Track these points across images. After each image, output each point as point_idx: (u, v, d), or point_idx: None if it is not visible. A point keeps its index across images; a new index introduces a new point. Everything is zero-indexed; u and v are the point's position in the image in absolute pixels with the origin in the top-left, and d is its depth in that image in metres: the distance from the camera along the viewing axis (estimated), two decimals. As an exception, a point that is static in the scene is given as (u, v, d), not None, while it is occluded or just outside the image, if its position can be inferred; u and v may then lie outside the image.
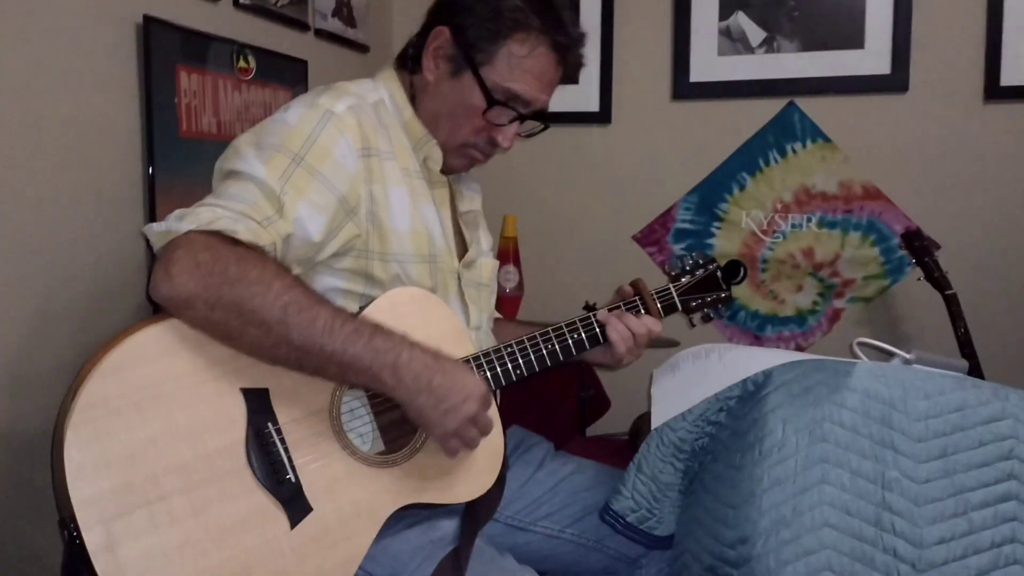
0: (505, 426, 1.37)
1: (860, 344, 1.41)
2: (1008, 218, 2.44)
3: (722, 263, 1.59)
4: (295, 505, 1.14)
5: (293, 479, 1.15)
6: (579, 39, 1.38)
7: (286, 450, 1.15)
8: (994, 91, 2.39)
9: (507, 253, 2.48)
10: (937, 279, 2.21)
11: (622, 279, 1.59)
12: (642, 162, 2.66)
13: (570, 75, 1.41)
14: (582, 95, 2.64)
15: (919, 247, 2.27)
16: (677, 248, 2.65)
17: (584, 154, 2.69)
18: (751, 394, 1.35)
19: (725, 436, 1.38)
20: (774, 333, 2.61)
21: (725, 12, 2.54)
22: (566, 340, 1.38)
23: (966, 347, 2.16)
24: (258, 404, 1.15)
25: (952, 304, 2.18)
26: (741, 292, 2.61)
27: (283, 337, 1.12)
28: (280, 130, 1.29)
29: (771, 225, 2.58)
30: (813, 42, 2.49)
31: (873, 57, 2.45)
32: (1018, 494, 1.21)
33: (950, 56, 2.42)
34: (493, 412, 1.26)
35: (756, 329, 2.62)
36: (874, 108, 2.49)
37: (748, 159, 2.57)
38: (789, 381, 1.33)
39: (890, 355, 1.38)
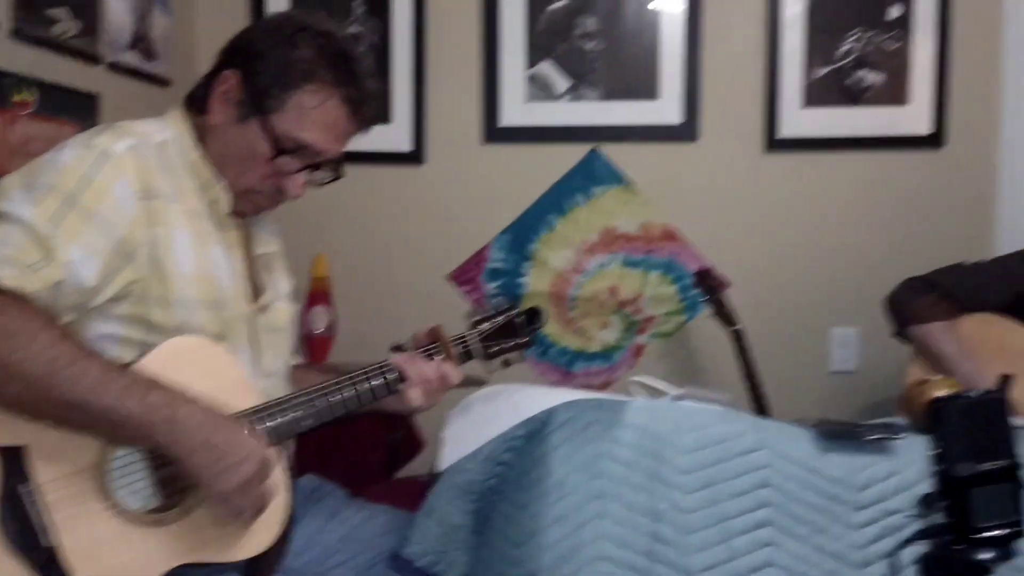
0: (299, 474, 1.35)
1: (635, 382, 1.49)
2: (789, 257, 2.65)
3: (524, 307, 1.63)
4: (51, 572, 1.08)
5: (47, 544, 1.08)
6: (373, 93, 1.39)
7: (42, 512, 1.09)
8: (773, 142, 2.61)
9: (318, 294, 2.46)
10: (724, 315, 2.38)
11: (437, 319, 1.60)
12: (455, 202, 2.71)
13: (366, 127, 1.43)
14: (396, 135, 2.66)
15: (709, 285, 2.43)
16: (491, 287, 2.71)
17: (398, 193, 2.71)
18: (535, 433, 1.40)
19: (512, 476, 1.41)
20: (583, 368, 2.71)
21: (532, 60, 2.64)
22: (359, 388, 1.37)
23: (751, 379, 2.33)
24: (12, 463, 1.08)
25: (738, 339, 2.34)
26: (552, 329, 2.70)
27: (47, 393, 1.06)
28: (53, 170, 1.23)
29: (579, 264, 2.68)
30: (614, 92, 2.64)
31: (666, 108, 2.62)
32: (773, 520, 1.31)
33: (735, 109, 2.62)
34: (277, 470, 1.24)
35: (566, 365, 2.71)
36: (669, 155, 2.66)
37: (556, 201, 2.68)
38: (569, 420, 1.38)
39: (662, 392, 1.47)
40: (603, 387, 2.67)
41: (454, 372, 1.42)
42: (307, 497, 1.47)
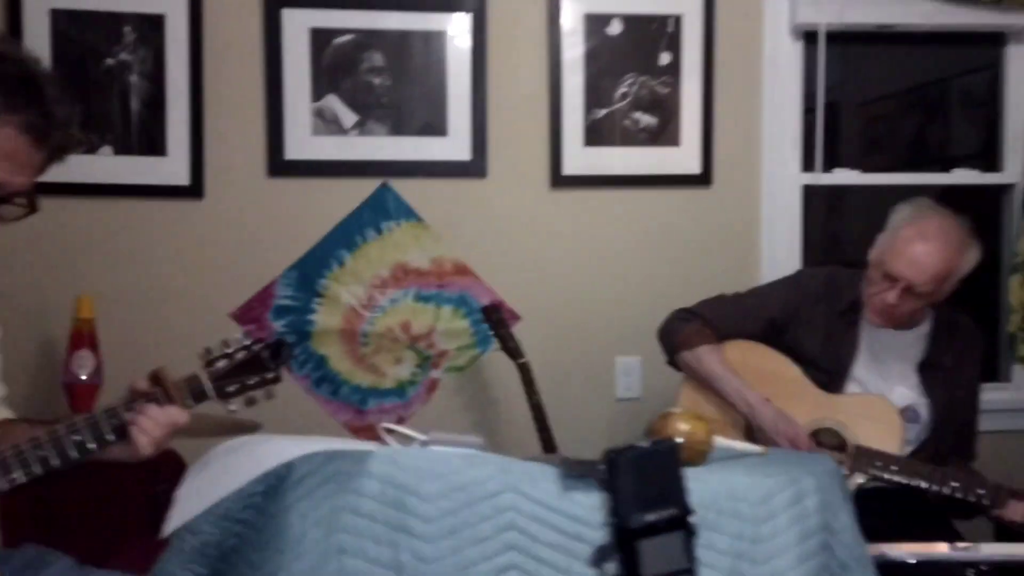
0: (14, 544, 1.24)
1: (385, 429, 1.48)
2: (576, 290, 2.73)
3: (270, 341, 1.57)
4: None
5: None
6: (64, 119, 1.30)
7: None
8: (558, 179, 2.69)
9: (80, 337, 2.29)
10: (511, 349, 2.41)
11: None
12: (238, 238, 2.61)
13: (59, 156, 1.33)
14: (171, 168, 2.54)
15: (496, 319, 2.46)
16: (278, 325, 2.62)
17: (175, 229, 2.57)
18: (274, 488, 1.35)
19: (251, 535, 1.35)
20: (376, 405, 2.67)
21: (318, 93, 2.60)
22: (72, 440, 1.28)
23: (537, 412, 2.37)
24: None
25: (524, 372, 2.38)
26: (343, 367, 2.64)
27: None
28: None
29: (371, 300, 2.65)
30: (402, 127, 2.63)
31: (455, 145, 2.65)
32: (517, 564, 1.32)
33: (522, 147, 2.68)
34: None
35: (359, 403, 2.66)
36: (459, 191, 2.68)
37: (346, 236, 2.63)
38: (310, 472, 1.34)
39: (412, 439, 1.46)
40: (397, 423, 2.64)
41: (181, 416, 1.35)
42: (22, 571, 1.35)
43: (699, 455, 1.49)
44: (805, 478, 1.40)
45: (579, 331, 2.74)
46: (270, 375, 1.50)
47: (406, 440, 1.47)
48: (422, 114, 2.64)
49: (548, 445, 2.32)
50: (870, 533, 1.88)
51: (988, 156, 2.98)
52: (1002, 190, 2.94)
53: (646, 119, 2.70)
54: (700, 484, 1.41)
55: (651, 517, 0.80)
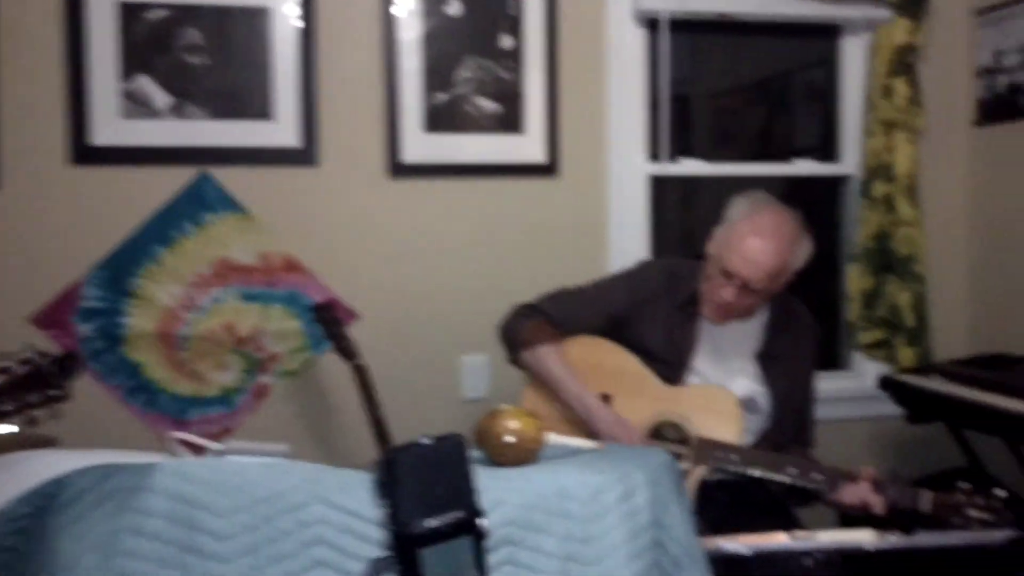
0: None
1: (173, 439, 1.29)
2: (419, 285, 2.59)
3: (56, 354, 1.38)
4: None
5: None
6: None
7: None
8: (396, 168, 2.54)
9: None
10: (345, 350, 2.24)
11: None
12: (37, 233, 2.34)
13: None
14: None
15: (328, 318, 2.29)
16: (85, 329, 2.35)
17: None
18: (42, 509, 1.15)
19: (16, 563, 1.15)
20: (199, 415, 2.44)
21: (127, 73, 2.35)
22: None
23: (375, 417, 2.21)
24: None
25: (360, 375, 2.22)
26: (161, 374, 2.40)
27: None
28: None
29: (190, 300, 2.42)
30: (224, 111, 2.42)
31: (283, 130, 2.46)
32: (321, 580, 1.17)
33: (356, 133, 2.52)
34: None
35: (179, 413, 2.43)
36: (288, 180, 2.49)
37: (161, 230, 2.40)
38: (84, 490, 1.15)
39: (205, 449, 1.29)
40: (223, 434, 2.42)
41: None
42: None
43: (530, 453, 1.38)
44: (635, 473, 1.31)
45: (422, 329, 2.60)
46: (55, 392, 1.32)
47: (199, 451, 1.29)
48: (246, 97, 2.43)
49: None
50: (714, 525, 1.84)
51: (827, 147, 3.04)
52: (840, 180, 3.00)
53: (490, 105, 2.59)
54: (529, 484, 1.31)
55: (434, 522, 0.67)
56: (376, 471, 1.09)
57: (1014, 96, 2.72)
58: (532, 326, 2.10)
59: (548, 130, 2.63)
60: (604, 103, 2.70)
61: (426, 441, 0.71)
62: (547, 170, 2.65)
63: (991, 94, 2.83)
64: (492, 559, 1.20)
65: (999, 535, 1.72)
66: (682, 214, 3.31)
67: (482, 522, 0.71)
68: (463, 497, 0.70)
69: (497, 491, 1.24)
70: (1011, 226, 2.78)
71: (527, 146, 2.63)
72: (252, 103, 2.43)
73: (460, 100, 2.56)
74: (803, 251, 1.97)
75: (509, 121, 2.60)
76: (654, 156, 2.76)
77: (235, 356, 2.45)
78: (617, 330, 2.11)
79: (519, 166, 2.63)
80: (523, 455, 1.36)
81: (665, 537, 1.30)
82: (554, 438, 1.41)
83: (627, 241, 2.72)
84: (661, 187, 2.81)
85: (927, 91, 2.80)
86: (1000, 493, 1.77)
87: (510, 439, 1.35)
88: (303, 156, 2.47)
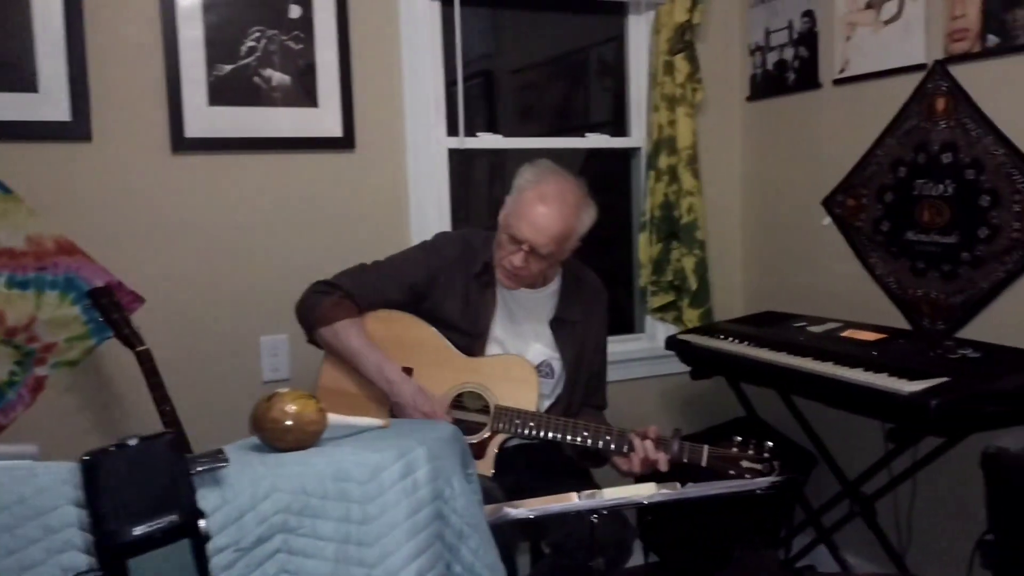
0: None
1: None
2: (211, 265, 2.49)
3: None
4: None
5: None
6: None
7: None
8: (181, 142, 2.41)
9: None
10: (126, 336, 2.12)
11: None
12: None
13: None
14: None
15: (106, 303, 2.15)
16: None
17: None
18: None
19: None
20: (-36, 415, 2.24)
21: None
22: None
23: (163, 404, 2.11)
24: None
25: (144, 360, 2.11)
26: (-84, 372, 2.18)
27: None
28: None
29: (-52, 290, 2.21)
30: (-21, 81, 2.21)
31: (50, 103, 2.27)
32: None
33: (134, 106, 2.37)
34: None
35: (-60, 413, 2.22)
36: (59, 157, 2.31)
37: (-92, 214, 2.16)
38: None
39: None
40: (-6, 433, 2.24)
41: None
42: None
43: (310, 436, 1.36)
44: (416, 448, 1.33)
45: (216, 310, 2.51)
46: None
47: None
48: (7, 67, 2.23)
49: (177, 441, 2.08)
50: (513, 490, 1.91)
51: (619, 122, 3.17)
52: (630, 153, 3.13)
53: (279, 77, 2.50)
54: (306, 468, 1.29)
55: (143, 529, 0.64)
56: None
57: (782, 73, 2.94)
58: (329, 303, 2.07)
59: (343, 103, 2.58)
60: (400, 76, 2.68)
61: (132, 442, 0.68)
62: (343, 144, 2.60)
63: (762, 70, 3.04)
64: (266, 548, 1.18)
65: (769, 480, 1.87)
66: (490, 188, 3.35)
67: (203, 523, 0.69)
68: (178, 499, 0.67)
69: (271, 478, 1.21)
70: (779, 195, 3.01)
71: (321, 119, 2.56)
72: (14, 73, 2.23)
73: (247, 72, 2.46)
74: (588, 216, 2.05)
75: (301, 94, 2.53)
76: (454, 130, 2.77)
77: (6, 348, 2.26)
78: (416, 302, 2.12)
79: (314, 140, 2.57)
80: (303, 438, 1.34)
81: (447, 509, 1.33)
82: (336, 419, 1.40)
83: (428, 215, 2.72)
84: (468, 161, 2.83)
85: (705, 68, 2.97)
86: (769, 445, 1.93)
87: (288, 423, 1.33)
88: (74, 130, 2.29)
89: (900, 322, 2.55)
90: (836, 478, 2.58)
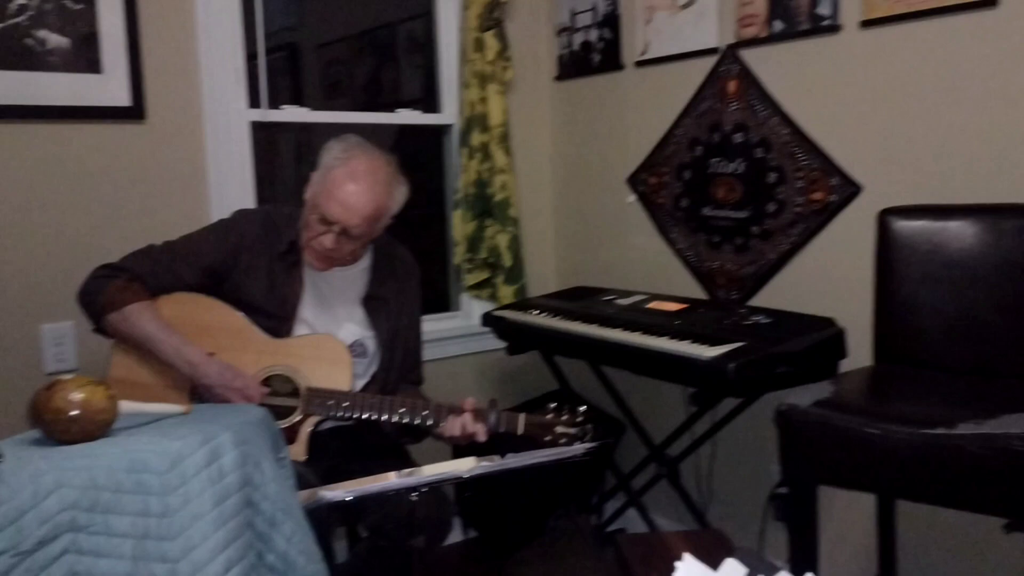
0: None
1: None
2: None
3: None
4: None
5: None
6: None
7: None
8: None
9: None
10: None
11: None
12: None
13: None
14: None
15: None
16: None
17: None
18: None
19: None
20: None
21: None
22: None
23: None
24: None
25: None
26: None
27: None
28: None
29: None
30: None
31: None
32: None
33: None
34: None
35: None
36: None
37: None
38: None
39: None
40: None
41: None
42: None
43: (99, 426, 1.24)
44: (222, 434, 1.24)
45: (-12, 297, 2.25)
46: None
47: None
48: None
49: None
50: (328, 474, 1.84)
51: (430, 98, 3.13)
52: (442, 130, 3.11)
53: (56, 39, 2.27)
54: (96, 461, 1.17)
55: None
56: None
57: (588, 54, 3.01)
58: (115, 287, 1.90)
59: (131, 70, 2.38)
60: (195, 44, 2.50)
61: None
62: (132, 114, 2.40)
63: (569, 51, 3.10)
64: (50, 550, 1.06)
65: (583, 447, 1.92)
66: (297, 164, 3.23)
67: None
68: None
69: (55, 473, 1.10)
70: (587, 173, 3.10)
71: (106, 87, 2.36)
72: None
73: (17, 32, 2.21)
74: (400, 194, 2.00)
75: (83, 58, 2.31)
76: (257, 103, 2.63)
77: None
78: (217, 285, 2.00)
79: (97, 109, 2.35)
80: (91, 429, 1.23)
81: (258, 496, 1.26)
82: (130, 406, 1.28)
83: (230, 191, 2.58)
84: (274, 136, 2.70)
85: (515, 46, 2.99)
86: (582, 409, 1.98)
87: (73, 412, 1.21)
88: None
89: (699, 293, 2.69)
90: (643, 443, 2.69)
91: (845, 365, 2.17)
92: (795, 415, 1.80)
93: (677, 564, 0.95)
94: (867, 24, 2.20)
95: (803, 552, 1.87)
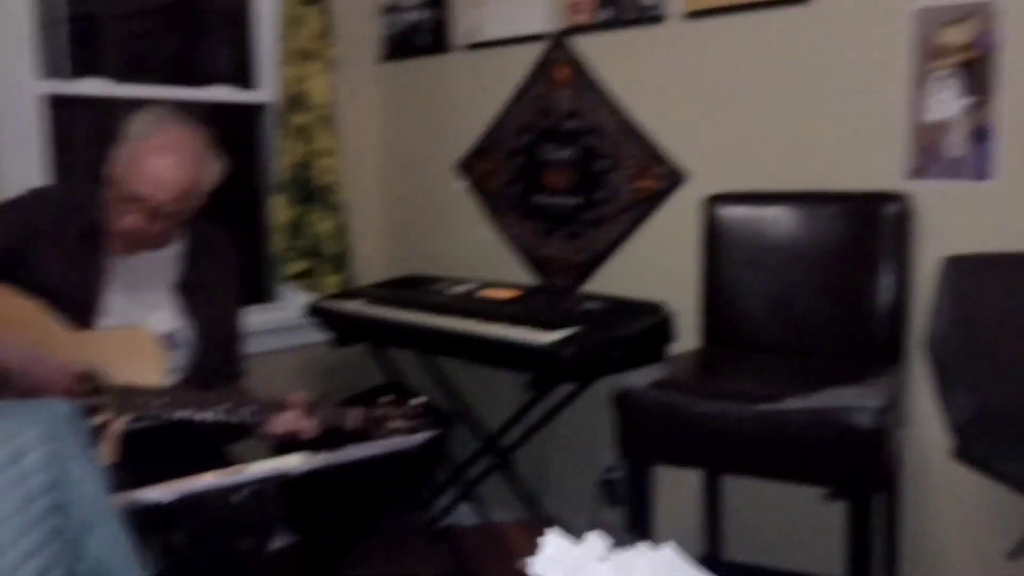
0: None
1: None
2: None
3: None
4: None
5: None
6: None
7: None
8: None
9: None
10: None
11: None
12: None
13: None
14: None
15: None
16: None
17: None
18: None
19: None
20: None
21: None
22: None
23: None
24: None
25: None
26: None
27: None
28: None
29: None
30: None
31: None
32: None
33: None
34: None
35: None
36: None
37: None
38: None
39: None
40: None
41: None
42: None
43: None
44: (25, 431, 1.07)
45: None
46: None
47: None
48: None
49: None
50: (140, 478, 1.65)
51: (245, 74, 2.94)
52: (259, 109, 2.92)
53: None
54: None
55: None
56: None
57: (415, 34, 2.93)
58: None
59: None
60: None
61: None
62: None
63: (394, 32, 3.00)
64: None
65: (416, 439, 1.84)
66: (98, 141, 2.93)
67: None
68: None
69: None
70: (416, 158, 3.02)
71: None
72: None
73: None
74: (214, 168, 1.84)
75: None
76: (51, 73, 2.36)
77: None
78: (8, 271, 1.76)
79: None
80: None
81: (67, 499, 1.09)
82: None
83: (16, 169, 2.29)
84: (73, 114, 2.43)
85: (340, 24, 2.86)
86: (416, 401, 1.90)
87: None
88: None
89: (533, 280, 2.68)
90: (476, 434, 2.65)
91: (676, 348, 2.22)
92: (633, 396, 1.82)
93: (540, 541, 0.90)
94: (692, 15, 2.26)
95: (639, 533, 1.89)
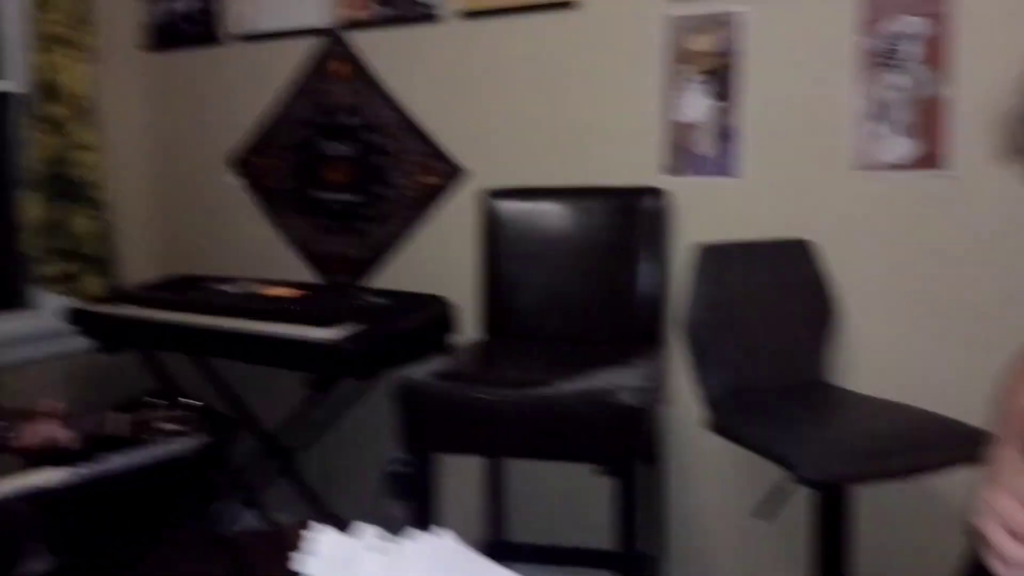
0: None
1: None
2: None
3: None
4: None
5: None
6: None
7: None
8: None
9: None
10: None
11: None
12: None
13: None
14: None
15: None
16: None
17: None
18: None
19: None
20: None
21: None
22: None
23: None
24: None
25: None
26: None
27: None
28: None
29: None
30: None
31: None
32: None
33: None
34: None
35: None
36: None
37: None
38: None
39: None
40: None
41: None
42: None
43: None
44: None
45: None
46: None
47: None
48: None
49: None
50: None
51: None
52: (5, 98, 2.67)
53: None
54: None
55: None
56: None
57: (184, 24, 2.79)
58: None
59: None
60: None
61: None
62: None
63: (159, 20, 2.85)
64: None
65: (192, 443, 1.76)
66: None
67: None
68: None
69: None
70: (187, 153, 2.88)
71: None
72: None
73: None
74: None
75: None
76: None
77: None
78: None
79: None
80: None
81: None
82: None
83: None
84: None
85: (101, 11, 2.67)
86: (189, 403, 1.81)
87: None
88: None
89: (314, 277, 2.64)
90: (257, 438, 2.57)
91: (459, 341, 2.26)
92: (413, 388, 1.84)
93: (312, 536, 0.89)
94: (468, 15, 2.31)
95: (424, 523, 1.92)
